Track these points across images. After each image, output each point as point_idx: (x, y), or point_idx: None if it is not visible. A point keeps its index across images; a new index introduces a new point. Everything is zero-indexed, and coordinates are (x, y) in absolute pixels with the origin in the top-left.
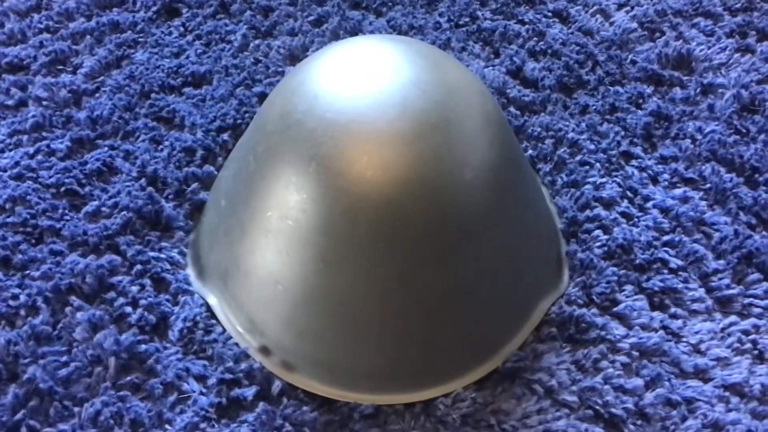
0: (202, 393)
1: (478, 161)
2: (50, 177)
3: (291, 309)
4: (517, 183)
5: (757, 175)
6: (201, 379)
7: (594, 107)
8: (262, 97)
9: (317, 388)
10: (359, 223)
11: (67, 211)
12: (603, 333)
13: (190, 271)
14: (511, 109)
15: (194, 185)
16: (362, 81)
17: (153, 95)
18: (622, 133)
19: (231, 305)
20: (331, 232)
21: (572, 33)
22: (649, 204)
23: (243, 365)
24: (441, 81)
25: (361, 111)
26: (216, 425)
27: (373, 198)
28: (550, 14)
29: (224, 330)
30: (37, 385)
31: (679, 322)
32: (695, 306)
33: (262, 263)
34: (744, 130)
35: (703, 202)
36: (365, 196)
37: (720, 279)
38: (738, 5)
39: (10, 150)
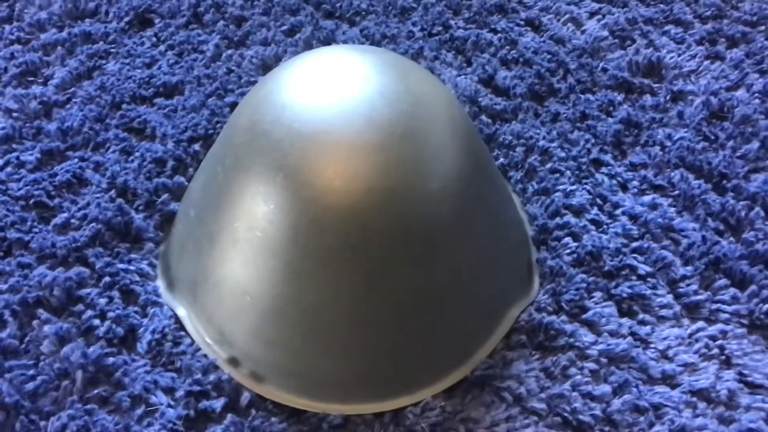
0: (170, 405)
1: (445, 171)
2: (19, 189)
3: (259, 319)
4: (486, 192)
5: (725, 182)
6: (169, 391)
7: (565, 115)
8: (234, 107)
9: (286, 398)
10: (326, 233)
11: (35, 224)
12: (572, 340)
13: (159, 283)
14: (483, 117)
15: (165, 196)
16: (329, 91)
17: (124, 106)
18: (593, 140)
19: (200, 316)
20: (299, 242)
21: (544, 41)
22: (619, 211)
23: (212, 377)
24: (408, 91)
25: (328, 121)
26: None
27: (339, 208)
28: (522, 23)
29: (193, 342)
30: (3, 399)
31: (648, 328)
32: (663, 312)
33: (230, 274)
34: (713, 137)
35: (672, 209)
36: (332, 206)
37: (688, 285)
38: (708, 13)
39: None
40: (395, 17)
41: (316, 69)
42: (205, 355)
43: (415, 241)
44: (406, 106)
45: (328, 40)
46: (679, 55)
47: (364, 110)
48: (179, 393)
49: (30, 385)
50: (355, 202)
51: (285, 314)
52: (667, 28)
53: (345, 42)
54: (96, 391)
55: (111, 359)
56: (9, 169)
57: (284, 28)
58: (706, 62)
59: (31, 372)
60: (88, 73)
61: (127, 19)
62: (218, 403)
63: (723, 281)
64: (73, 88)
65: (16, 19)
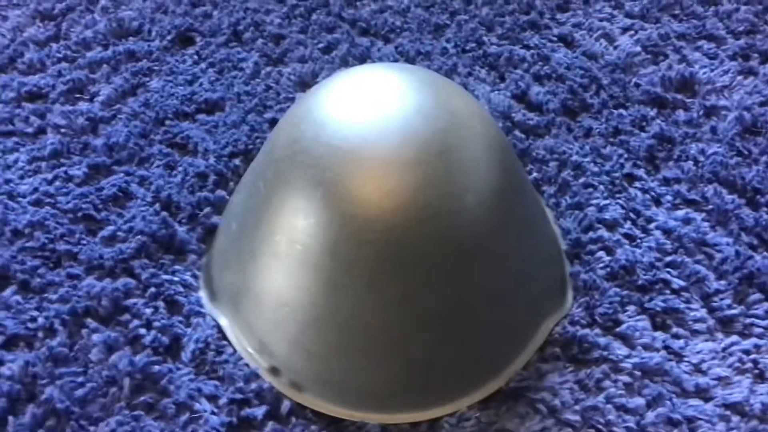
0: (213, 413)
1: (479, 186)
2: (68, 202)
3: (299, 330)
4: (519, 206)
5: (758, 197)
6: (212, 398)
7: (598, 130)
8: (273, 122)
9: (325, 407)
10: (364, 247)
11: (83, 236)
12: (606, 353)
13: (202, 294)
14: (516, 132)
15: (207, 209)
16: (367, 108)
17: (167, 122)
18: (626, 155)
19: (242, 327)
20: (337, 255)
21: (577, 57)
22: (652, 225)
23: (253, 385)
24: (444, 108)
25: (366, 138)
26: None
27: (377, 222)
28: (554, 39)
29: (235, 351)
30: (54, 405)
31: (681, 341)
32: (697, 326)
33: (270, 286)
34: (746, 152)
35: (705, 224)
36: (370, 220)
37: (721, 299)
38: (741, 28)
39: (30, 176)
40: (429, 34)
41: (354, 87)
42: (247, 364)
43: (451, 255)
44: (441, 122)
45: (364, 57)
46: (712, 71)
47: (400, 127)
48: (222, 401)
49: (80, 392)
50: (392, 217)
51: (324, 325)
52: (699, 43)
53: (380, 59)
54: (142, 398)
55: (156, 367)
56: (58, 183)
57: (321, 45)
58: (739, 77)
59: (81, 379)
60: (132, 90)
61: (169, 37)
62: (260, 411)
63: (757, 295)
64: (118, 105)
65: (63, 37)
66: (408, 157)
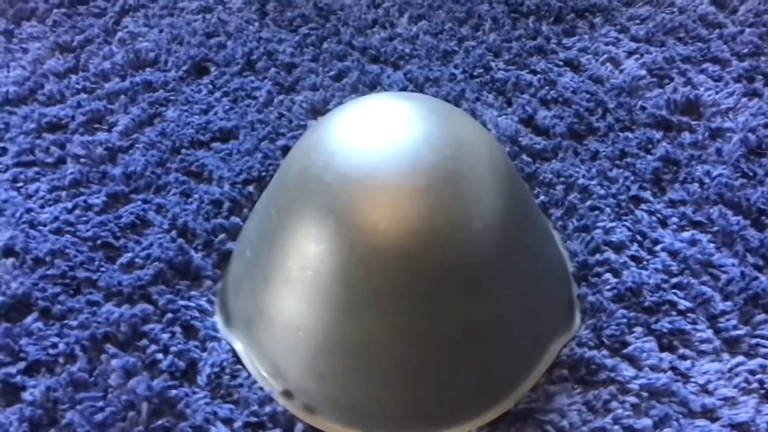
0: None
1: (487, 212)
2: (87, 231)
3: (312, 354)
4: (527, 230)
5: (763, 218)
6: (228, 422)
7: (604, 153)
8: (286, 150)
9: (337, 429)
10: (375, 273)
11: (103, 263)
12: (613, 374)
13: (217, 319)
14: (524, 156)
15: (221, 236)
16: (376, 137)
17: (183, 150)
18: (632, 178)
19: (256, 351)
20: (349, 281)
21: (583, 81)
22: (658, 247)
23: (267, 408)
24: (451, 135)
25: (376, 166)
26: None
27: (387, 249)
28: (561, 63)
29: (249, 375)
30: (74, 430)
31: (688, 362)
32: (703, 347)
33: (283, 311)
34: (751, 174)
35: (711, 245)
36: (380, 247)
37: (727, 320)
38: (745, 50)
39: (50, 205)
40: (437, 60)
41: (363, 116)
42: (261, 388)
43: (460, 280)
44: (449, 150)
45: (374, 84)
46: (717, 93)
47: (409, 155)
48: (237, 424)
49: (99, 416)
50: (401, 243)
51: (336, 349)
52: (704, 66)
53: (390, 85)
54: (160, 422)
55: (174, 391)
56: (77, 211)
57: (332, 73)
58: (744, 99)
59: (100, 404)
60: (149, 119)
61: (184, 67)
62: None
63: (762, 316)
64: (135, 134)
65: (82, 69)
66: (416, 185)
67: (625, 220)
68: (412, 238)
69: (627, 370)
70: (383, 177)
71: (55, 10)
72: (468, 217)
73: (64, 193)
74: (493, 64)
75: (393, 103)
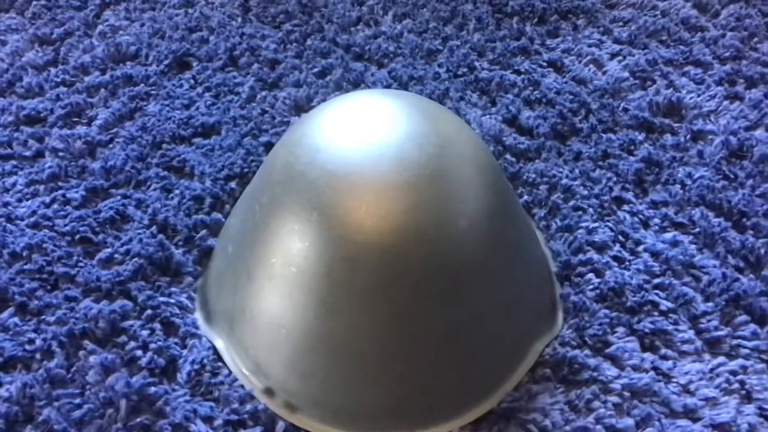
0: None
1: (471, 209)
2: (65, 225)
3: (294, 352)
4: (510, 229)
5: (744, 220)
6: (208, 420)
7: (587, 154)
8: (269, 146)
9: (319, 428)
10: (358, 270)
11: (81, 258)
12: (595, 374)
13: (198, 315)
14: (507, 156)
15: (203, 232)
16: (361, 134)
17: (164, 145)
18: (615, 179)
19: (237, 348)
20: (332, 278)
21: (566, 82)
22: (640, 248)
23: (248, 406)
24: (436, 133)
25: (360, 163)
26: None
27: (371, 246)
28: (545, 64)
29: (230, 372)
30: (51, 427)
31: (669, 363)
32: (685, 347)
33: (266, 308)
34: (732, 176)
35: (693, 246)
36: (364, 244)
37: (709, 321)
38: (727, 54)
39: (28, 199)
40: (422, 59)
41: (348, 113)
42: (242, 386)
43: (443, 278)
44: (433, 148)
45: (358, 82)
46: (699, 96)
47: (393, 152)
48: (218, 422)
49: (77, 413)
50: (385, 241)
51: (318, 347)
52: (686, 69)
53: (374, 83)
54: (139, 420)
55: (153, 389)
56: (55, 206)
57: (316, 70)
58: (726, 102)
59: (78, 401)
60: (129, 114)
61: (166, 62)
62: None
63: (743, 317)
64: (115, 129)
65: (62, 62)
66: (401, 182)
67: (608, 221)
68: (395, 236)
69: (609, 370)
70: (367, 174)
71: (34, 2)
72: (452, 215)
73: (42, 187)
74: (477, 63)
75: (378, 100)
